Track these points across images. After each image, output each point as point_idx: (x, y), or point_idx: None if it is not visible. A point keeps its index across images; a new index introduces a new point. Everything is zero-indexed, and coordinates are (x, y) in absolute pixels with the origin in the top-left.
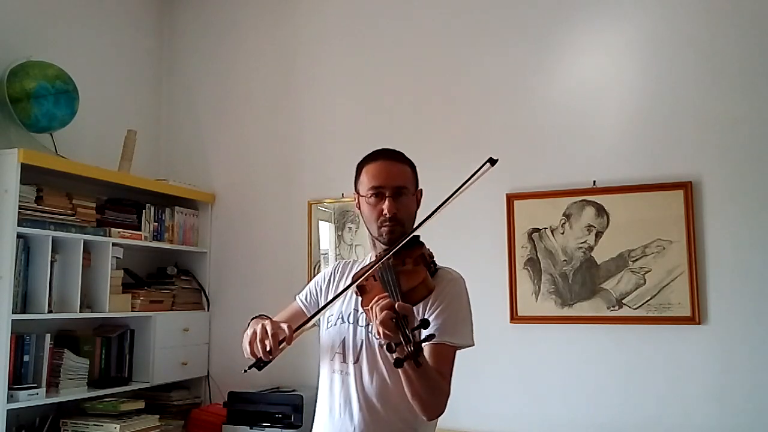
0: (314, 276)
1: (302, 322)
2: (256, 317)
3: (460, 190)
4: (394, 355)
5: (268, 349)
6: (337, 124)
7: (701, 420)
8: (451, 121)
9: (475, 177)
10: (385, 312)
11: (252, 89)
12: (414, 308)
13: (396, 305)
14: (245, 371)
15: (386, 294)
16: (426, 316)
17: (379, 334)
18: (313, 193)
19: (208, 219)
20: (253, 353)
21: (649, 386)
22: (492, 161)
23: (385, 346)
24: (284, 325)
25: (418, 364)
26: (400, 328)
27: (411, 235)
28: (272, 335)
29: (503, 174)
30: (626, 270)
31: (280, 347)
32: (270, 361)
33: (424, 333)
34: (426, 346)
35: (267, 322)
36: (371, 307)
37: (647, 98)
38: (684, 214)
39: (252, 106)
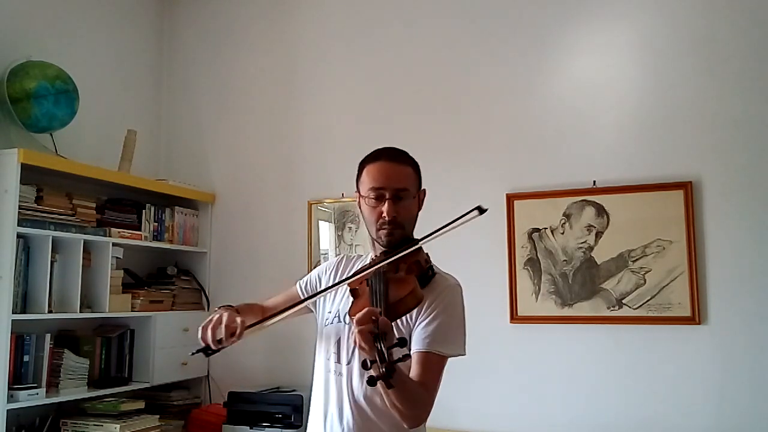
0: None
1: (259, 319)
2: (221, 306)
3: (446, 228)
4: (369, 372)
5: (218, 338)
6: (337, 124)
7: (701, 420)
8: (451, 122)
9: (460, 221)
10: (365, 326)
11: (252, 89)
12: (403, 317)
13: (379, 320)
14: (192, 354)
15: (370, 308)
16: (418, 323)
17: (358, 348)
18: (313, 193)
19: (208, 219)
20: (204, 339)
21: (649, 386)
22: (480, 210)
23: (360, 363)
24: (239, 320)
25: (390, 385)
26: (377, 345)
27: (409, 251)
28: (225, 326)
29: (503, 174)
30: (626, 270)
31: (231, 339)
32: (218, 350)
33: (402, 352)
34: (415, 354)
35: (226, 313)
36: (354, 319)
37: (647, 98)
38: (684, 214)
39: (252, 106)
